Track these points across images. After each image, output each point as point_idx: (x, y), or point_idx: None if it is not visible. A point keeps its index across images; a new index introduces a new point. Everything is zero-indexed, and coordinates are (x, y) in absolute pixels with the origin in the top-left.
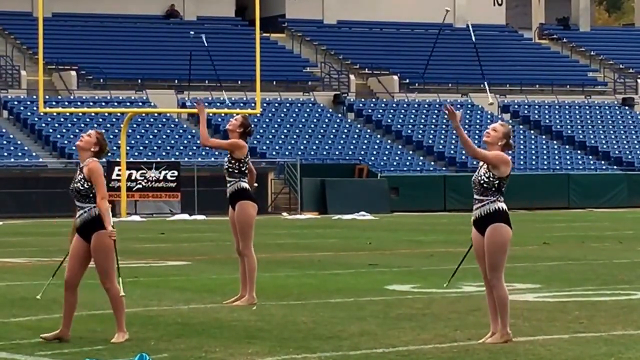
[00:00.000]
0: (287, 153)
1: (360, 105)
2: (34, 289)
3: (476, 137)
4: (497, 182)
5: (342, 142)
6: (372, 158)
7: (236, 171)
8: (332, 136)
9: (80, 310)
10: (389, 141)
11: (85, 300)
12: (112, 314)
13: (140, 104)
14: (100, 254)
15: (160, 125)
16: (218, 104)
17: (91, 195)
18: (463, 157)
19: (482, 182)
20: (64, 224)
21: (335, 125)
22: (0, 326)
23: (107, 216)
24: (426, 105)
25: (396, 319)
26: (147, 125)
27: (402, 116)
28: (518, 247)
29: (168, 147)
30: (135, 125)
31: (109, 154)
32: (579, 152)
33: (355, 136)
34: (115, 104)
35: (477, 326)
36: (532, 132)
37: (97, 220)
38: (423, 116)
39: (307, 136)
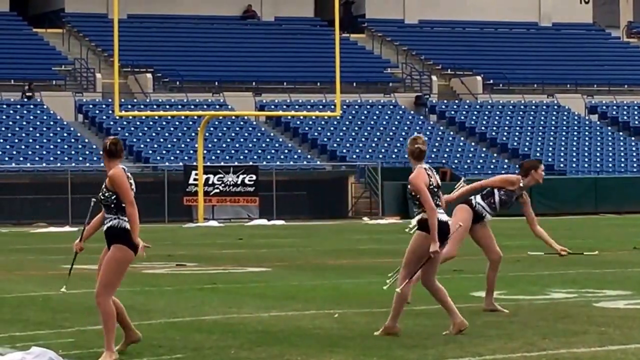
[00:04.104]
0: (367, 156)
1: (443, 106)
2: None
3: (562, 139)
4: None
5: None
6: (455, 161)
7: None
8: None
9: (158, 318)
10: (473, 143)
11: (163, 307)
12: (191, 321)
13: (217, 106)
14: (110, 265)
15: (237, 129)
16: (297, 107)
17: (112, 205)
18: (549, 159)
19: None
20: (142, 229)
21: (417, 128)
22: (77, 334)
23: (135, 228)
24: (511, 107)
25: (482, 327)
26: (225, 129)
27: (485, 118)
28: (608, 253)
29: (246, 151)
30: (212, 129)
31: (186, 158)
32: None
33: (438, 138)
34: (192, 106)
35: (566, 334)
36: (620, 133)
37: (118, 232)
38: (507, 118)
39: (388, 139)
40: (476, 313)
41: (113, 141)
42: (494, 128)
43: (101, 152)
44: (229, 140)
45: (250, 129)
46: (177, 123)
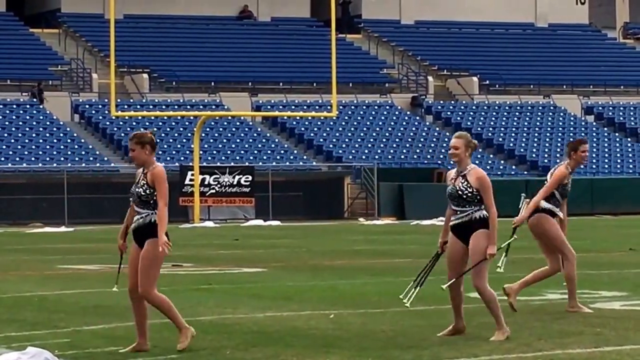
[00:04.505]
0: (363, 157)
1: (439, 107)
2: (106, 297)
3: (559, 140)
4: (478, 195)
5: (420, 145)
6: (452, 162)
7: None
8: (410, 139)
9: (153, 318)
10: None
11: None
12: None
13: (213, 107)
14: (147, 261)
15: (233, 129)
16: (293, 107)
17: (151, 201)
18: (545, 160)
19: (464, 195)
20: None
21: (413, 128)
22: (73, 334)
23: (163, 224)
24: (507, 108)
25: (478, 328)
26: (221, 129)
27: (482, 119)
28: (603, 254)
29: (242, 151)
30: (208, 129)
31: (182, 158)
32: None
33: (434, 139)
34: (188, 107)
35: (562, 335)
36: (617, 134)
37: (153, 227)
38: (503, 118)
39: (384, 139)
40: (472, 314)
41: (152, 133)
42: (490, 129)
43: (132, 148)
44: (225, 140)
45: (247, 129)
46: (173, 123)
